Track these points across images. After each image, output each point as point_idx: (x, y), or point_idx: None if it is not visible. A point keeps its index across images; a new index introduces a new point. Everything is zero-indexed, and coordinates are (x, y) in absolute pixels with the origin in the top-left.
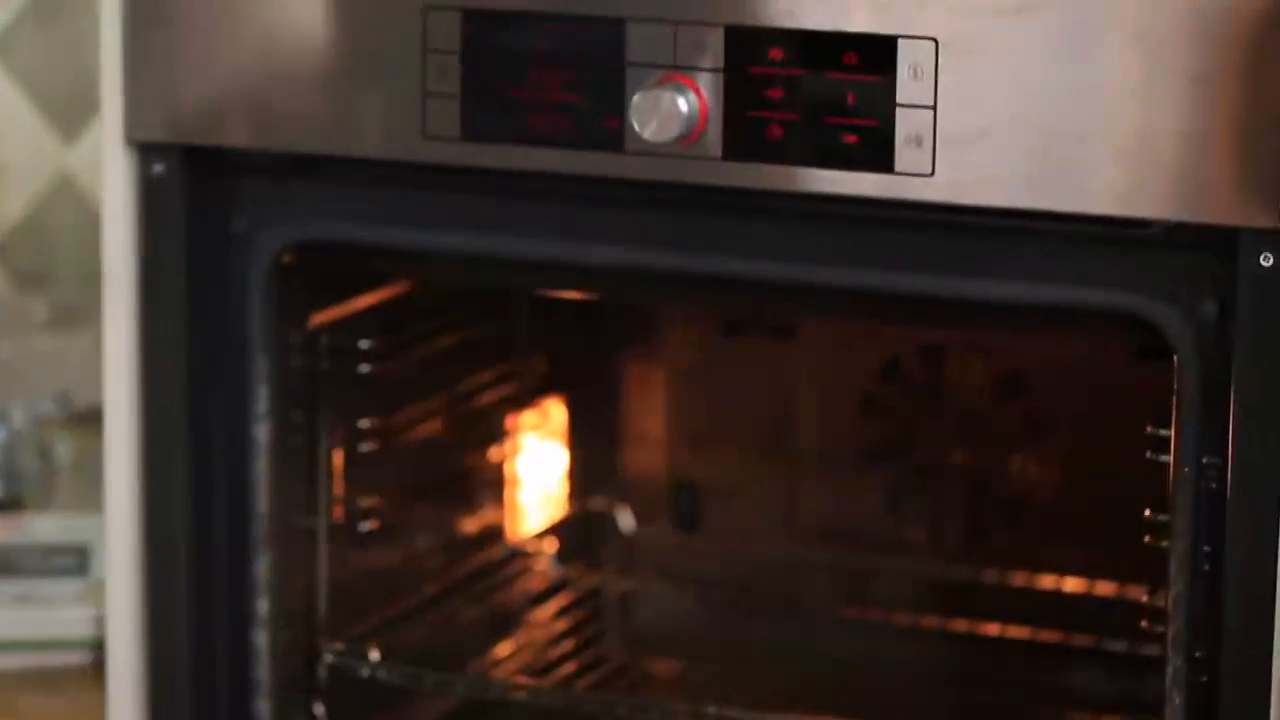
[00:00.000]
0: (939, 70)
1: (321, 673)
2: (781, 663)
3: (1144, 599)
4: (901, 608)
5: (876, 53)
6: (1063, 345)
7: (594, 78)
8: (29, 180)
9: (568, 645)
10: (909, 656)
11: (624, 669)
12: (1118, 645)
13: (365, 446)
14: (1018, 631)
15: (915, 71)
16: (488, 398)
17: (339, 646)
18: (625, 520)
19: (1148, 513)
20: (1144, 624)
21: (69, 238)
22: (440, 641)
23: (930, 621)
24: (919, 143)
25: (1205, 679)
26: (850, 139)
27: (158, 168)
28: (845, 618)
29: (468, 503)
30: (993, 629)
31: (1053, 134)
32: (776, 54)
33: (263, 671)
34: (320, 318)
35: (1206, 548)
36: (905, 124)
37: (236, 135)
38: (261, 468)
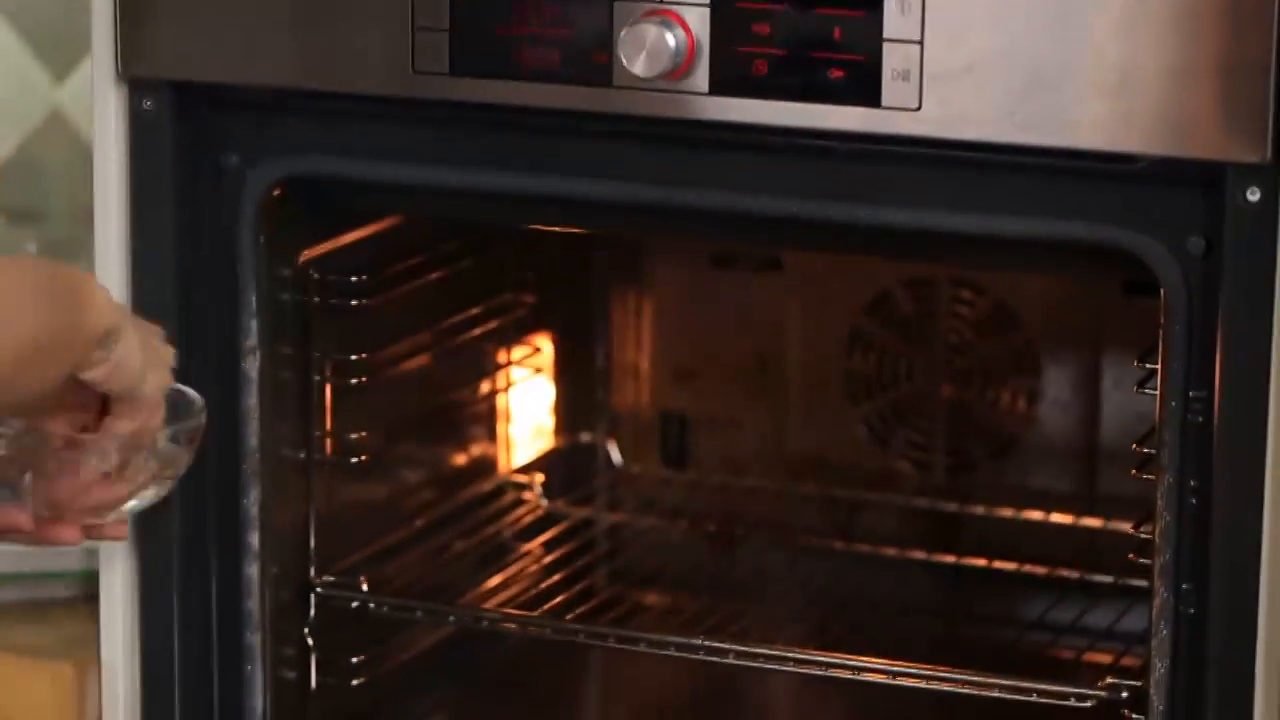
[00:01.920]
0: (926, 5)
1: (312, 605)
2: (769, 595)
3: (1131, 532)
4: (889, 540)
5: None
6: (1050, 279)
7: (582, 12)
8: (20, 117)
9: (557, 578)
10: (896, 589)
11: (613, 601)
12: (1105, 578)
13: (355, 380)
14: (1005, 564)
15: (902, 6)
16: (477, 332)
17: (330, 579)
18: (614, 453)
19: (1135, 446)
20: (1131, 556)
21: (60, 174)
22: (430, 574)
23: (918, 554)
24: (906, 77)
25: (1192, 610)
26: (837, 74)
27: (148, 104)
28: (833, 550)
29: (457, 436)
30: (980, 561)
31: (1039, 68)
32: None
33: (254, 604)
34: (310, 252)
35: (1193, 481)
36: (892, 58)
37: (226, 71)
38: (252, 402)
